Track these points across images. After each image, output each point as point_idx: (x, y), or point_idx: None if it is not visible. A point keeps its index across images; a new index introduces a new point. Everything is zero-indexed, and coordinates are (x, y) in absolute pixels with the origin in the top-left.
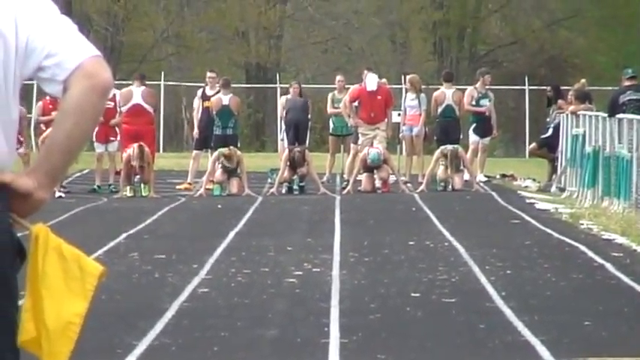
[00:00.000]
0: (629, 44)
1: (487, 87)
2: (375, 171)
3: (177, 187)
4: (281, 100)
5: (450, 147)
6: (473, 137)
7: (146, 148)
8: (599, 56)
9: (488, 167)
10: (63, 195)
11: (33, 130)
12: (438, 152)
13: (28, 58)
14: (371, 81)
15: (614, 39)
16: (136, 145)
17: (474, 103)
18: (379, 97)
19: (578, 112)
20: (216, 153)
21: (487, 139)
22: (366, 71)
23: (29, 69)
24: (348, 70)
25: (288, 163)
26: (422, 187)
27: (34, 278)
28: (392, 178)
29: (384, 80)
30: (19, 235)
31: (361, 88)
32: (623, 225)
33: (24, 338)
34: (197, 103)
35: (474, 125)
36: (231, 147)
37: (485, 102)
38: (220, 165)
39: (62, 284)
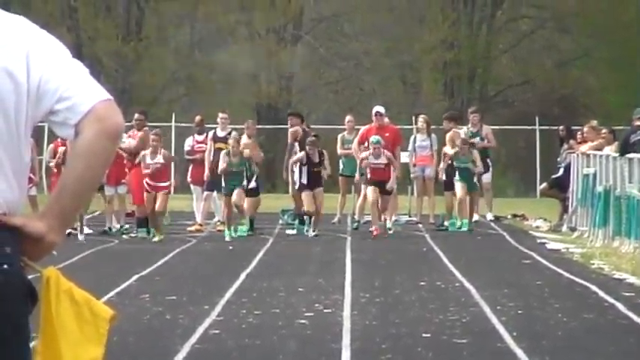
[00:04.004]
0: None
1: (485, 125)
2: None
3: (188, 228)
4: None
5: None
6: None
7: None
8: (611, 96)
9: (499, 207)
10: (72, 231)
11: (45, 172)
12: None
13: (40, 101)
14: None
15: (625, 79)
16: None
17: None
18: (387, 135)
19: (589, 152)
20: (222, 154)
21: (488, 177)
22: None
23: (41, 112)
24: (360, 111)
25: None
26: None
27: (49, 323)
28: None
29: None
30: (30, 277)
31: (369, 128)
32: (634, 264)
33: None
34: (209, 144)
35: None
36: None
37: (476, 140)
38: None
39: (76, 329)
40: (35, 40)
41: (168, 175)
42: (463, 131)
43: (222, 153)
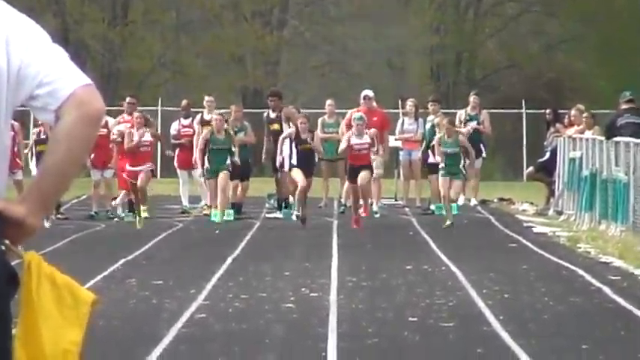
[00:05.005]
0: (628, 68)
1: (483, 109)
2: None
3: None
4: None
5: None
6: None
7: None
8: (598, 80)
9: (485, 191)
10: (48, 226)
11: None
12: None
13: (20, 86)
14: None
15: (613, 63)
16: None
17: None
18: (375, 119)
19: (575, 136)
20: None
21: (478, 163)
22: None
23: (21, 97)
24: (346, 95)
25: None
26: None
27: (29, 307)
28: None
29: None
30: (13, 263)
31: (356, 111)
32: (620, 248)
33: None
34: (197, 128)
35: None
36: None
37: (472, 124)
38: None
39: (56, 312)
40: (15, 24)
41: (151, 157)
42: (460, 114)
43: (206, 132)
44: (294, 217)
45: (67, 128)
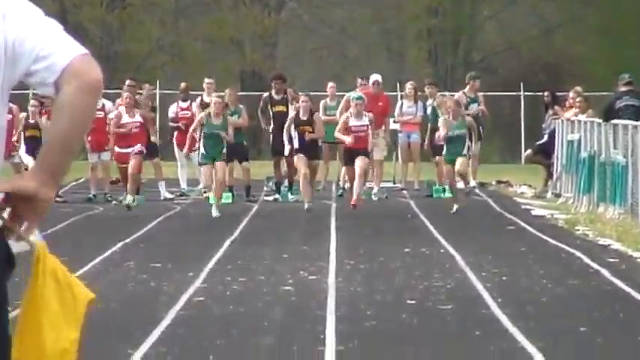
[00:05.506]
0: (626, 51)
1: (478, 92)
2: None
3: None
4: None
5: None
6: None
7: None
8: (596, 62)
9: (483, 174)
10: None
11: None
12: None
13: (16, 62)
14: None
15: (611, 45)
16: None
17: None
18: (380, 104)
19: (573, 118)
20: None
21: (477, 146)
22: (359, 80)
23: (18, 73)
24: (344, 78)
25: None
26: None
27: (33, 302)
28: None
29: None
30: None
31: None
32: (618, 231)
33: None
34: (197, 111)
35: None
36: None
37: (474, 106)
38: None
39: (58, 310)
40: (10, 2)
41: (144, 138)
42: (460, 96)
43: (202, 115)
44: (306, 207)
45: (69, 98)
